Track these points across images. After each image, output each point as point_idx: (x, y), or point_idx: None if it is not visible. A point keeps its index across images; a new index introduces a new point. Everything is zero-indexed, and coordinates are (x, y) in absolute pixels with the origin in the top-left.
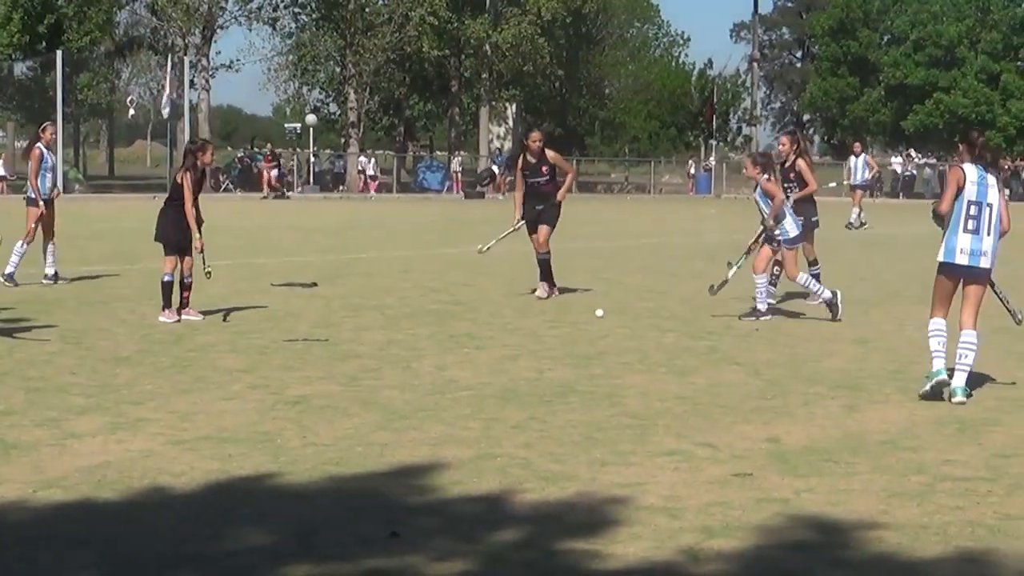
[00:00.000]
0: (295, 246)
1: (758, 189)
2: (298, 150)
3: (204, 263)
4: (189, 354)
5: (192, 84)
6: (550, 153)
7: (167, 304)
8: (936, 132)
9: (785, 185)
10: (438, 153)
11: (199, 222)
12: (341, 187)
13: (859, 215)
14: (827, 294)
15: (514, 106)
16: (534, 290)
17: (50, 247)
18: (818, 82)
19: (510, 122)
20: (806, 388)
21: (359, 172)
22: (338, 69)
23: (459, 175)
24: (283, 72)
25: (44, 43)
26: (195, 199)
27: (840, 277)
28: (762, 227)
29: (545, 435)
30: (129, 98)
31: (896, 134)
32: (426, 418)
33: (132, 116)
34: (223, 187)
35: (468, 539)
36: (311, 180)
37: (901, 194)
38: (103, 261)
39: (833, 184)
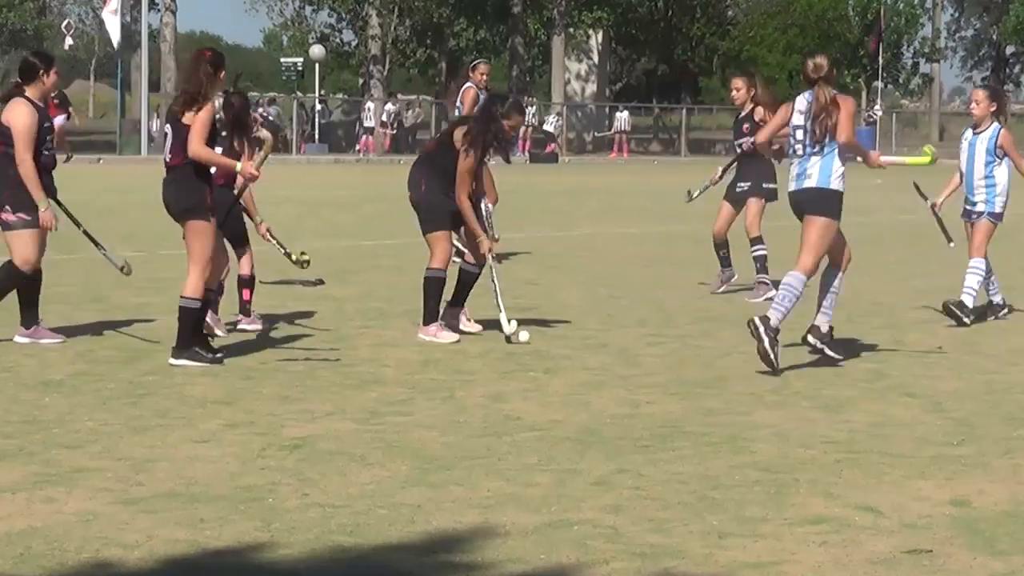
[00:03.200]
0: (295, 227)
1: (982, 136)
2: (299, 94)
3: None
4: (146, 378)
5: (153, 2)
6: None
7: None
8: None
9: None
10: None
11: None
12: (358, 147)
13: None
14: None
15: (600, 34)
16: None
17: None
18: None
19: (595, 57)
20: (1008, 430)
21: (383, 125)
22: None
23: (531, 130)
24: None
25: None
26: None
27: None
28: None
29: (641, 494)
30: (65, 22)
31: None
32: (475, 469)
33: (70, 47)
34: None
35: None
36: (316, 136)
37: None
38: None
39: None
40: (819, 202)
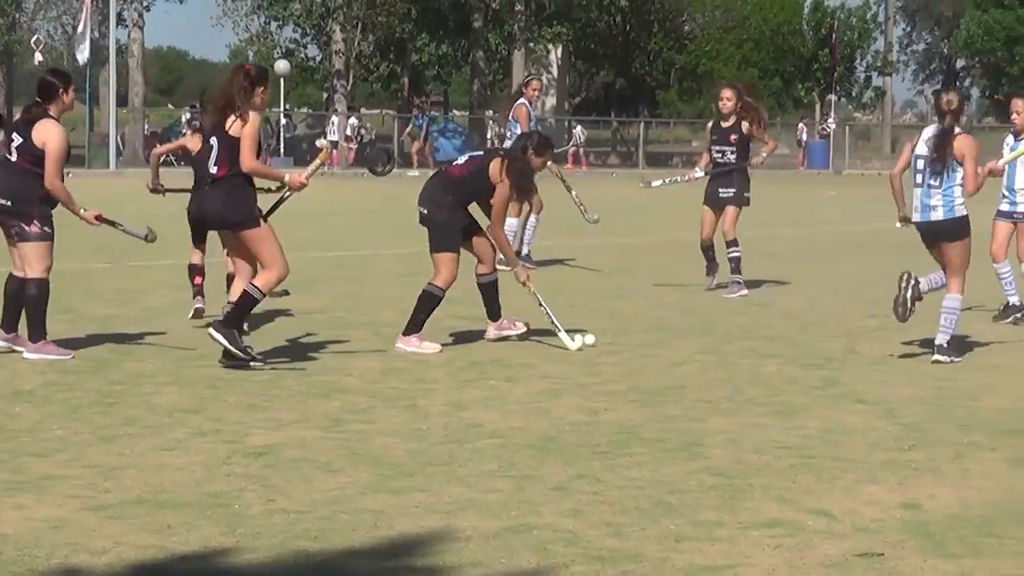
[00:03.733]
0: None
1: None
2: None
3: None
4: (114, 387)
5: (120, 19)
6: (744, 124)
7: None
8: None
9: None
10: (456, 112)
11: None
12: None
13: None
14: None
15: (559, 49)
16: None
17: None
18: (976, 16)
19: (554, 71)
20: (958, 436)
21: (347, 139)
22: None
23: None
24: (244, 2)
25: None
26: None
27: None
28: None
29: (599, 499)
30: (34, 38)
31: None
32: (436, 476)
33: (39, 63)
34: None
35: None
36: (281, 150)
37: None
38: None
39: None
40: (954, 231)
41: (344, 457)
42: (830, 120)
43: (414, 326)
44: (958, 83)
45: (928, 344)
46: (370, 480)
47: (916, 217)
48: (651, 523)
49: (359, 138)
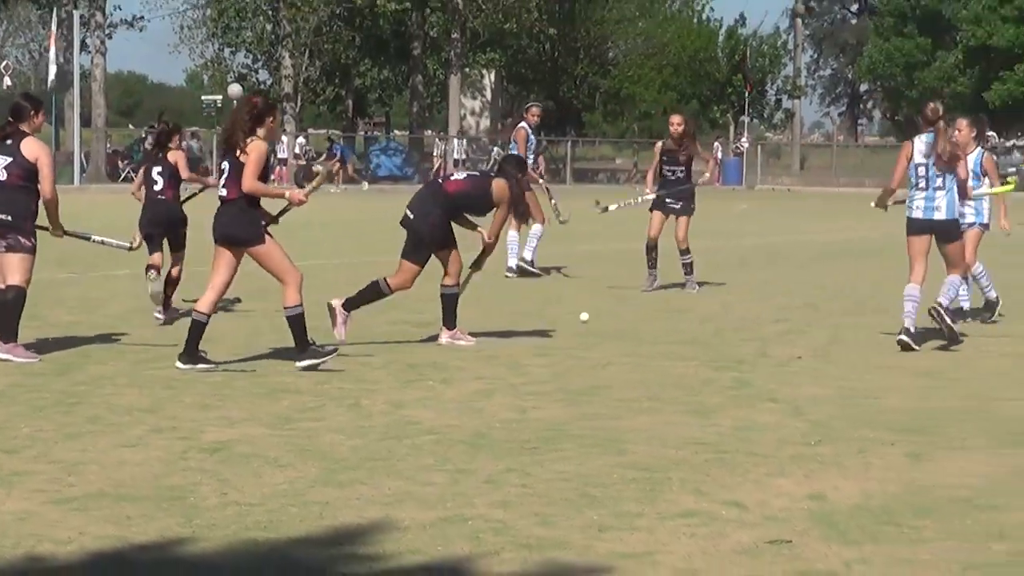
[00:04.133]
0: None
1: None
2: (218, 129)
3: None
4: (77, 388)
5: (84, 45)
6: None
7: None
8: None
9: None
10: (396, 132)
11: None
12: (272, 176)
13: None
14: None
15: (493, 74)
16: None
17: None
18: (879, 43)
19: (488, 94)
20: (860, 432)
21: (296, 157)
22: (269, 26)
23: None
24: (199, 30)
25: None
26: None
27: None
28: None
29: (528, 491)
30: (3, 63)
31: (977, 108)
32: (377, 470)
33: (7, 87)
34: (123, 175)
35: None
36: None
37: None
38: None
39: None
40: (954, 230)
41: (292, 453)
42: (743, 139)
43: (350, 303)
44: (861, 105)
45: (829, 348)
46: (317, 474)
47: (919, 215)
48: (576, 513)
49: (307, 156)
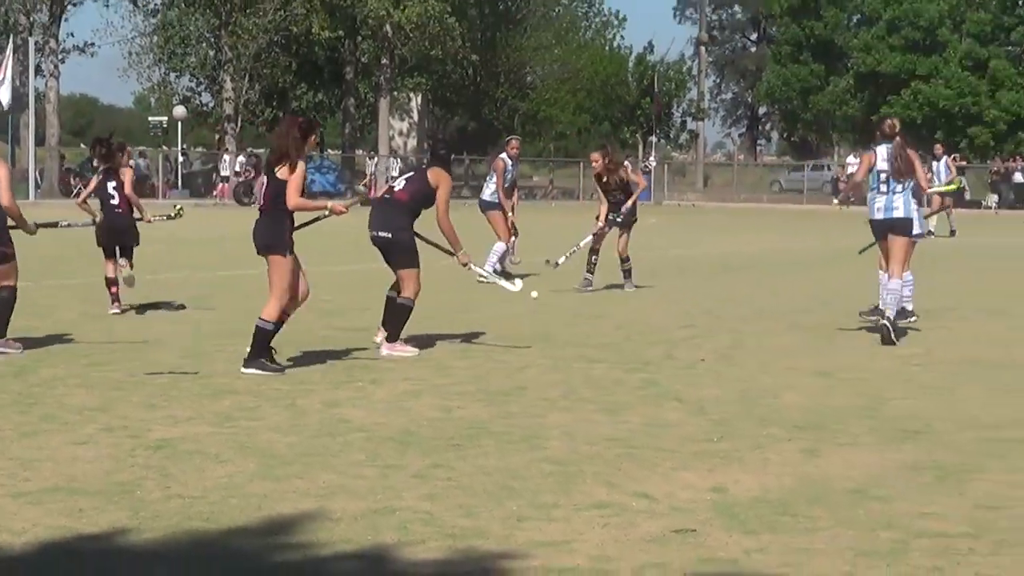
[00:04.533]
0: (159, 260)
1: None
2: (164, 148)
3: None
4: (33, 389)
5: (38, 70)
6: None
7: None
8: (914, 128)
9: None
10: (330, 152)
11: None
12: (215, 193)
13: (951, 220)
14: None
15: (419, 97)
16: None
17: None
18: (776, 69)
19: (415, 115)
20: (759, 429)
21: (236, 174)
22: (212, 52)
23: (375, 176)
24: (147, 56)
25: None
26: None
27: (805, 298)
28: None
29: (452, 484)
30: None
31: (867, 130)
32: (312, 465)
33: None
34: (75, 191)
35: None
36: (179, 184)
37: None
38: None
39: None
40: (907, 227)
41: (233, 449)
42: (651, 158)
43: (393, 336)
44: (760, 127)
45: (731, 352)
46: (255, 469)
47: (879, 216)
48: (497, 505)
49: (247, 173)
